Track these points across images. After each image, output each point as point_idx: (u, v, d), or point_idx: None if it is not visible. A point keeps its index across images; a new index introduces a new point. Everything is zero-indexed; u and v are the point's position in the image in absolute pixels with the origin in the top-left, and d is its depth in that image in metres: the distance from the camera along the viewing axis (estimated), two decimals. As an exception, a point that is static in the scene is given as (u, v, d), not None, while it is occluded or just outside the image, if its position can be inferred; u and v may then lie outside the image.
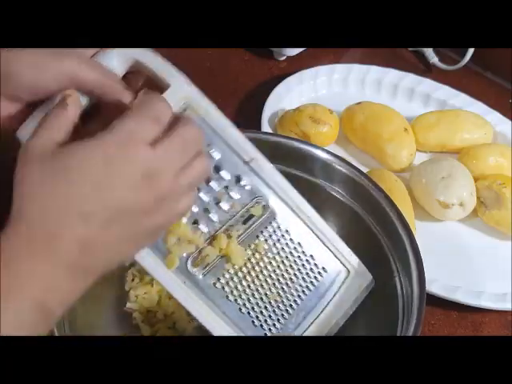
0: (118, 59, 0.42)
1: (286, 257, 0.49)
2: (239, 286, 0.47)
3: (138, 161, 0.36)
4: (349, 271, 0.51)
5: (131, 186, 0.36)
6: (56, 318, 0.35)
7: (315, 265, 0.50)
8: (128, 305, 0.57)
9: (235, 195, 0.46)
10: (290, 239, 0.49)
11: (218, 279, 0.46)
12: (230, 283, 0.47)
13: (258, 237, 0.48)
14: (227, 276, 0.47)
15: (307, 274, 0.49)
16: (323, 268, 0.50)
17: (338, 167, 0.58)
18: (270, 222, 0.48)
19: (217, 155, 0.45)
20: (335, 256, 0.51)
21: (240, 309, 0.47)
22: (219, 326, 0.46)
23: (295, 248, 0.49)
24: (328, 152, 0.59)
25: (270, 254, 0.48)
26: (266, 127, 0.74)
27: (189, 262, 0.45)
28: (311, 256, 0.50)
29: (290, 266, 0.49)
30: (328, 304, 0.50)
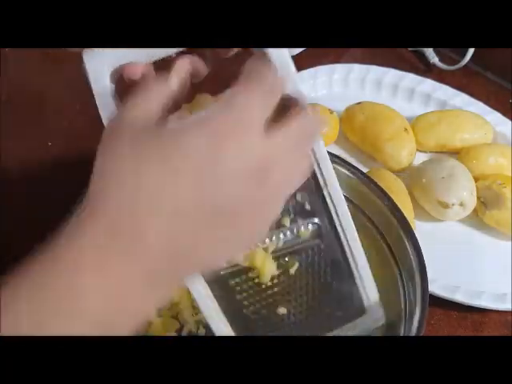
0: None
1: (313, 289, 0.45)
2: (257, 304, 0.44)
3: (252, 150, 0.29)
4: (365, 310, 0.48)
5: (239, 181, 0.29)
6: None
7: (338, 296, 0.46)
8: None
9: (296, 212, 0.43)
10: (331, 274, 0.46)
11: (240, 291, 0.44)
12: (251, 299, 0.44)
13: (293, 257, 0.45)
14: (250, 291, 0.44)
15: (326, 303, 0.47)
16: (344, 299, 0.47)
17: (338, 167, 0.58)
18: (313, 250, 0.45)
19: None
20: (359, 288, 0.47)
21: (247, 326, 0.44)
22: (225, 330, 0.43)
23: (324, 271, 0.46)
24: (327, 152, 0.59)
25: (298, 280, 0.45)
26: (266, 127, 0.74)
27: None
28: (339, 282, 0.46)
29: (312, 291, 0.46)
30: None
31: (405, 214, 0.55)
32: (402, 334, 0.49)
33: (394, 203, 0.55)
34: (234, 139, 0.29)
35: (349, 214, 0.45)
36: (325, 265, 0.46)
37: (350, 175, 0.58)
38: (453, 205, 0.68)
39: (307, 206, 0.44)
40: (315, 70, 0.83)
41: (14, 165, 0.70)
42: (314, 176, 0.42)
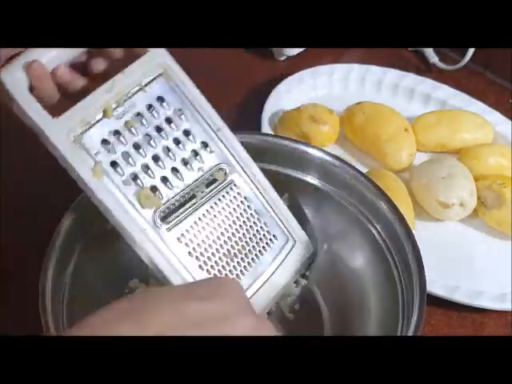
0: None
1: (244, 221, 0.52)
2: (201, 245, 0.49)
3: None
4: (295, 241, 0.54)
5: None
6: None
7: (268, 232, 0.53)
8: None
9: (201, 159, 0.50)
10: (248, 206, 0.52)
11: (182, 235, 0.48)
12: (193, 240, 0.49)
13: (219, 200, 0.51)
14: (191, 233, 0.49)
15: (260, 239, 0.53)
16: (274, 236, 0.53)
17: (337, 168, 0.58)
18: (231, 188, 0.52)
19: (187, 120, 0.50)
20: (285, 226, 0.54)
21: (200, 266, 0.49)
22: (177, 273, 0.47)
23: (251, 214, 0.52)
24: (327, 152, 0.59)
25: (229, 217, 0.51)
26: (266, 127, 0.74)
27: (157, 215, 0.47)
28: (264, 223, 0.53)
29: (247, 230, 0.52)
30: (277, 269, 0.53)
31: (405, 215, 0.55)
32: (399, 334, 0.49)
33: (393, 204, 0.55)
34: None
35: (247, 154, 0.52)
36: (248, 202, 0.53)
37: (350, 176, 0.58)
38: (453, 205, 0.68)
39: (213, 153, 0.51)
40: (315, 69, 0.83)
41: (14, 165, 0.70)
42: (207, 124, 0.51)
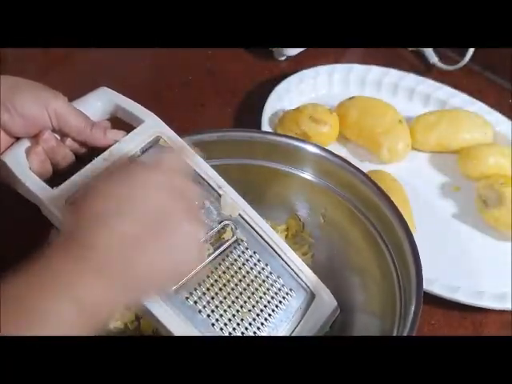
0: (101, 102, 0.50)
1: (255, 276, 0.51)
2: (211, 303, 0.48)
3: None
4: (314, 295, 0.53)
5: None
6: (98, 322, 0.37)
7: (283, 285, 0.51)
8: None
9: (208, 217, 0.50)
10: (258, 260, 0.51)
11: (191, 294, 0.47)
12: (202, 299, 0.48)
13: (227, 256, 0.50)
14: (199, 292, 0.48)
15: (276, 293, 0.51)
16: (290, 289, 0.52)
17: (338, 166, 0.58)
18: (239, 244, 0.51)
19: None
20: (301, 279, 0.52)
21: (213, 324, 0.47)
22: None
23: (263, 268, 0.51)
24: (327, 150, 0.59)
25: (238, 274, 0.50)
26: (266, 127, 0.74)
27: None
28: (278, 277, 0.51)
29: (259, 284, 0.51)
30: (297, 326, 0.51)
31: (404, 215, 0.55)
32: (395, 332, 0.49)
33: (393, 203, 0.55)
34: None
35: (252, 209, 0.52)
36: (258, 256, 0.51)
37: (350, 174, 0.58)
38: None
39: (215, 212, 0.50)
40: (315, 69, 0.83)
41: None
42: (208, 184, 0.50)
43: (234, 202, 0.51)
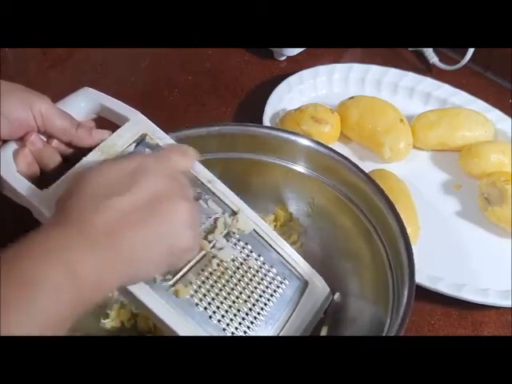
0: (85, 103, 0.50)
1: (249, 267, 0.51)
2: (207, 296, 0.48)
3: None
4: (307, 282, 0.53)
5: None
6: (91, 296, 0.37)
7: (276, 275, 0.52)
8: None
9: (201, 211, 0.50)
10: (250, 251, 0.52)
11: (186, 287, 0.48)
12: (198, 292, 0.48)
13: (220, 249, 0.50)
14: (194, 285, 0.48)
15: (270, 283, 0.52)
16: (284, 278, 0.52)
17: (339, 165, 0.58)
18: (231, 237, 0.51)
19: None
20: (294, 268, 0.53)
21: (210, 316, 0.48)
22: (186, 328, 0.47)
23: (256, 259, 0.52)
24: (313, 140, 0.59)
25: (232, 266, 0.50)
26: (266, 127, 0.74)
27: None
28: (271, 266, 0.52)
29: (253, 275, 0.51)
30: (292, 314, 0.52)
31: (408, 214, 0.55)
32: (387, 326, 0.49)
33: (380, 188, 0.56)
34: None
35: (240, 199, 0.52)
36: (250, 247, 0.52)
37: (337, 162, 0.58)
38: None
39: (207, 205, 0.51)
40: (315, 69, 0.83)
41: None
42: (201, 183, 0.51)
43: (224, 195, 0.51)
